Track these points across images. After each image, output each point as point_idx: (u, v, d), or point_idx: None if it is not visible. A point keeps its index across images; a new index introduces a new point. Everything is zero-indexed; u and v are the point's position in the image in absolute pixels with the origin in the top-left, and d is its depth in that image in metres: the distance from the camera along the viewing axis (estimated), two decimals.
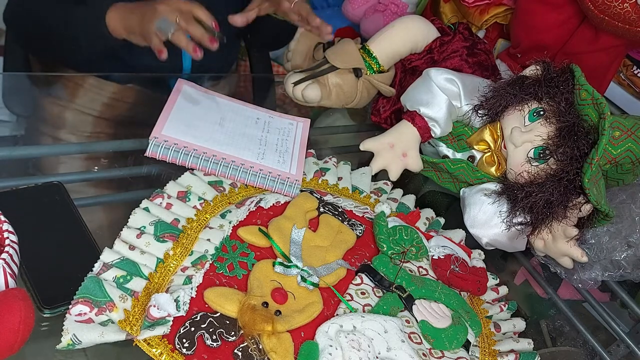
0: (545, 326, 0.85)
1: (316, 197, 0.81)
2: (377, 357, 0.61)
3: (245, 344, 0.59)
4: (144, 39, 0.84)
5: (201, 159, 0.78)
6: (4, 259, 0.55)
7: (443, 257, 0.79)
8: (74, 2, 0.94)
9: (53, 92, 1.03)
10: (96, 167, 0.79)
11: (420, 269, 0.77)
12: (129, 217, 0.67)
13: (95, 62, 1.00)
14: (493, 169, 0.89)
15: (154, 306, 0.57)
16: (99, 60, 1.00)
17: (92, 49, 0.96)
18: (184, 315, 0.59)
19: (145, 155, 0.77)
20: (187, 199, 0.73)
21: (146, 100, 1.06)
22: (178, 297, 0.59)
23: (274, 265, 0.68)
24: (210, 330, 0.59)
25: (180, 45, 0.80)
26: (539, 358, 0.72)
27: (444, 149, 0.94)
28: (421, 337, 0.67)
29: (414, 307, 0.70)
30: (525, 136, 0.84)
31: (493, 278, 0.83)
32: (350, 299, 0.70)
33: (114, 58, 1.03)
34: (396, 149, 0.91)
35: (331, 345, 0.60)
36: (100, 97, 1.03)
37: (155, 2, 0.84)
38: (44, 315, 0.57)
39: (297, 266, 0.68)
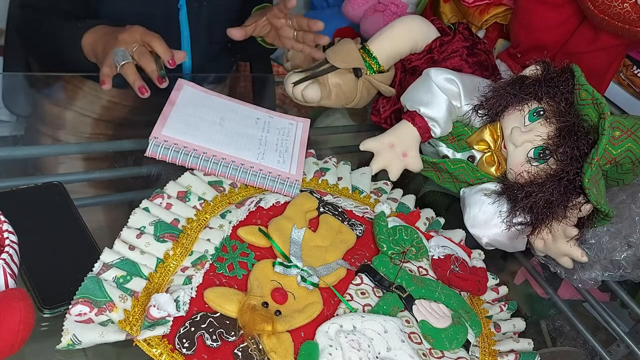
0: (545, 326, 0.85)
1: (316, 197, 0.81)
2: (377, 357, 0.61)
3: (245, 344, 0.59)
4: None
5: (201, 159, 0.78)
6: (3, 259, 0.54)
7: (443, 257, 0.79)
8: (65, 17, 0.95)
9: (53, 93, 1.04)
10: (97, 172, 0.79)
11: (420, 269, 0.77)
12: (129, 217, 0.67)
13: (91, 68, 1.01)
14: (493, 169, 0.89)
15: (154, 306, 0.57)
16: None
17: (78, 66, 0.96)
18: (184, 315, 0.59)
19: (145, 155, 0.77)
20: (187, 199, 0.73)
21: (146, 102, 1.06)
22: (178, 297, 0.59)
23: (274, 265, 0.68)
24: (210, 330, 0.59)
25: (127, 79, 0.77)
26: (539, 358, 0.72)
27: (444, 149, 0.94)
28: (421, 337, 0.67)
29: (414, 307, 0.70)
30: (525, 136, 0.84)
31: (493, 278, 0.83)
32: (350, 299, 0.70)
33: None
34: (396, 149, 0.91)
35: (331, 345, 0.60)
36: (100, 99, 1.04)
37: (120, 30, 0.82)
38: (44, 316, 0.57)
39: (297, 266, 0.68)
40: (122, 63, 0.77)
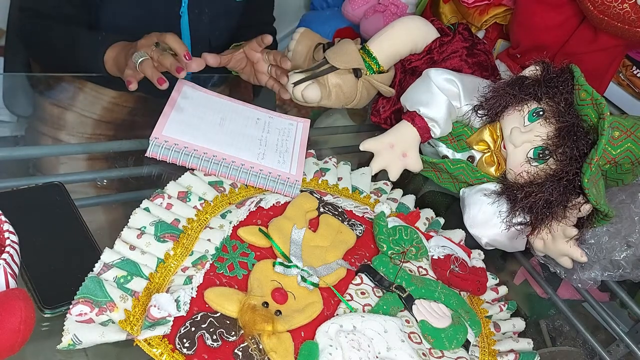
0: (544, 326, 0.85)
1: (316, 197, 0.81)
2: (377, 357, 0.61)
3: (245, 343, 0.59)
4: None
5: (201, 159, 0.78)
6: (4, 259, 0.55)
7: (443, 257, 0.79)
8: (68, 23, 0.96)
9: (53, 94, 1.04)
10: (104, 181, 0.80)
11: (420, 269, 0.77)
12: (130, 218, 0.67)
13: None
14: (492, 169, 0.89)
15: (155, 306, 0.57)
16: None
17: (92, 72, 0.98)
18: (185, 315, 0.59)
19: (145, 155, 0.77)
20: (188, 199, 0.73)
21: (146, 104, 1.07)
22: (178, 297, 0.59)
23: (274, 265, 0.68)
24: (211, 330, 0.59)
25: (146, 74, 0.81)
26: (539, 358, 0.72)
27: (444, 149, 0.94)
28: (421, 337, 0.68)
29: (413, 307, 0.70)
30: (524, 136, 0.84)
31: (493, 278, 0.83)
32: (350, 299, 0.70)
33: None
34: (396, 149, 0.91)
35: (331, 345, 0.60)
36: (100, 101, 1.04)
37: (139, 40, 0.86)
38: (45, 315, 0.57)
39: (297, 266, 0.68)
40: (140, 60, 0.80)
